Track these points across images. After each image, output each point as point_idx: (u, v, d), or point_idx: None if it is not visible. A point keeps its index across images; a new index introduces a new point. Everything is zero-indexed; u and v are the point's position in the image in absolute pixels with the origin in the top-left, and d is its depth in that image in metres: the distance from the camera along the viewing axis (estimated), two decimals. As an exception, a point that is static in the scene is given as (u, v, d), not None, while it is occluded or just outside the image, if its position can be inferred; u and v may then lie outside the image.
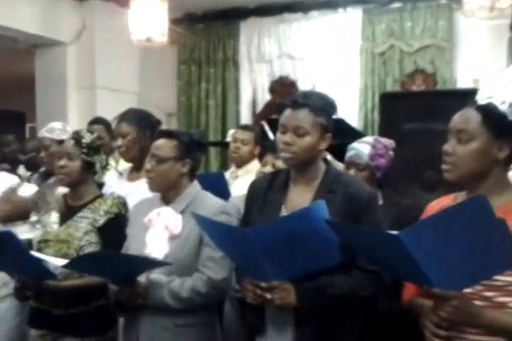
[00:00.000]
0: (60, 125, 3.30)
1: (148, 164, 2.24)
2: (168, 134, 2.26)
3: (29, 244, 2.52)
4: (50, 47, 5.58)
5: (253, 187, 2.07)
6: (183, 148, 2.23)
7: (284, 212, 1.90)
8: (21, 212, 2.87)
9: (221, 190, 2.43)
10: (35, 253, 2.17)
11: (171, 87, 6.63)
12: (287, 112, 1.88)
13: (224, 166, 5.90)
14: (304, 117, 1.85)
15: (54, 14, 5.36)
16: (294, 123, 1.86)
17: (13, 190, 2.85)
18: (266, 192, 1.96)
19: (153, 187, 2.25)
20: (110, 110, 5.26)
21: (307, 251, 1.68)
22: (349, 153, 2.66)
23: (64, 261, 2.07)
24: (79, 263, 2.12)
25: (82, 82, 5.62)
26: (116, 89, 5.70)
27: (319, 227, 1.61)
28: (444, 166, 1.61)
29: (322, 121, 1.87)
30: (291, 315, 1.80)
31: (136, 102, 5.88)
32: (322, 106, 1.88)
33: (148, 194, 2.61)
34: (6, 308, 2.65)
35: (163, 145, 2.23)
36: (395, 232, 1.35)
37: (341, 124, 3.70)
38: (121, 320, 2.44)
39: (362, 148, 2.62)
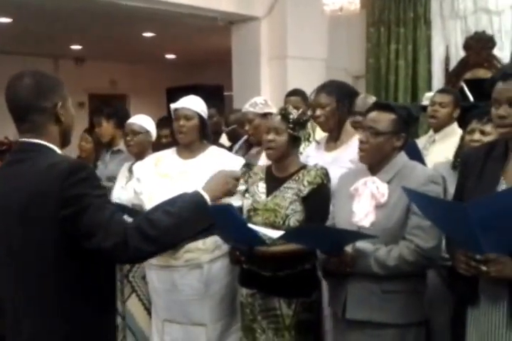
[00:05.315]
0: (262, 99, 3.42)
1: (362, 135, 2.24)
2: (386, 107, 2.23)
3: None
4: (245, 23, 5.90)
5: (468, 157, 2.02)
6: (401, 123, 2.20)
7: (504, 184, 1.84)
8: None
9: (414, 158, 2.39)
10: (251, 226, 2.31)
11: (359, 49, 6.57)
12: (498, 86, 1.81)
13: (416, 130, 5.73)
14: None
15: (249, -8, 5.63)
16: (506, 95, 1.78)
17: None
18: (483, 163, 1.90)
19: (364, 158, 2.26)
20: (299, 78, 5.49)
21: None
22: None
23: (278, 233, 2.19)
24: (293, 235, 2.23)
25: (274, 54, 5.85)
26: (305, 58, 5.83)
27: None
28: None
29: None
30: (506, 288, 1.76)
31: (324, 68, 5.96)
32: None
33: (346, 164, 2.67)
34: (219, 268, 2.82)
35: (380, 119, 2.20)
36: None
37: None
38: (324, 283, 2.56)
39: None
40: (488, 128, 2.41)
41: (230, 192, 1.86)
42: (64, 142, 1.80)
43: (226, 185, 1.84)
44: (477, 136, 2.44)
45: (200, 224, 1.76)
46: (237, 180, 1.90)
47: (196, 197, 1.78)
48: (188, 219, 1.72)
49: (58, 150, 1.75)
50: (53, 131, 1.74)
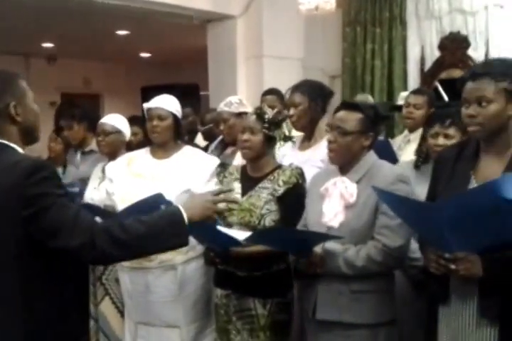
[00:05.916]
0: (237, 99, 3.40)
1: (330, 135, 2.25)
2: (353, 107, 2.25)
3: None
4: (221, 22, 5.90)
5: (440, 158, 2.03)
6: (368, 122, 2.21)
7: (474, 183, 1.84)
8: None
9: (388, 157, 2.40)
10: (221, 228, 2.29)
11: (335, 49, 6.57)
12: (468, 85, 1.82)
13: (391, 130, 5.77)
14: (484, 86, 1.78)
15: (225, -10, 5.62)
16: (474, 94, 1.79)
17: None
18: (454, 163, 1.92)
19: (334, 158, 2.27)
20: (276, 77, 5.49)
21: (495, 225, 1.63)
22: None
23: (245, 235, 2.18)
24: (259, 237, 2.23)
25: (250, 53, 5.86)
26: (281, 57, 5.85)
27: (509, 200, 1.55)
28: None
29: (506, 86, 1.77)
30: (476, 286, 1.78)
31: (301, 67, 5.97)
32: (504, 70, 1.78)
33: (317, 163, 2.68)
34: (193, 269, 2.79)
35: (348, 118, 2.22)
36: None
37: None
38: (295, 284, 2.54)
39: None
40: (451, 131, 2.42)
41: (210, 219, 1.82)
42: (29, 140, 1.77)
43: (206, 210, 1.79)
44: (441, 140, 2.45)
45: (172, 239, 1.72)
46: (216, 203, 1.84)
47: (173, 211, 1.75)
48: (161, 231, 1.69)
49: (20, 150, 1.73)
50: (12, 130, 1.71)
